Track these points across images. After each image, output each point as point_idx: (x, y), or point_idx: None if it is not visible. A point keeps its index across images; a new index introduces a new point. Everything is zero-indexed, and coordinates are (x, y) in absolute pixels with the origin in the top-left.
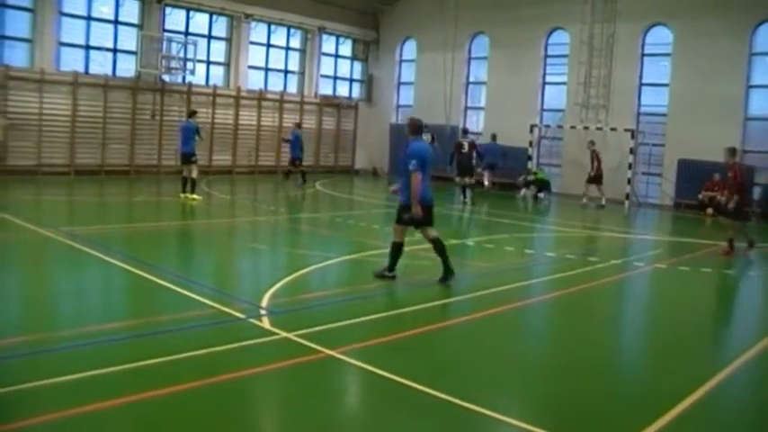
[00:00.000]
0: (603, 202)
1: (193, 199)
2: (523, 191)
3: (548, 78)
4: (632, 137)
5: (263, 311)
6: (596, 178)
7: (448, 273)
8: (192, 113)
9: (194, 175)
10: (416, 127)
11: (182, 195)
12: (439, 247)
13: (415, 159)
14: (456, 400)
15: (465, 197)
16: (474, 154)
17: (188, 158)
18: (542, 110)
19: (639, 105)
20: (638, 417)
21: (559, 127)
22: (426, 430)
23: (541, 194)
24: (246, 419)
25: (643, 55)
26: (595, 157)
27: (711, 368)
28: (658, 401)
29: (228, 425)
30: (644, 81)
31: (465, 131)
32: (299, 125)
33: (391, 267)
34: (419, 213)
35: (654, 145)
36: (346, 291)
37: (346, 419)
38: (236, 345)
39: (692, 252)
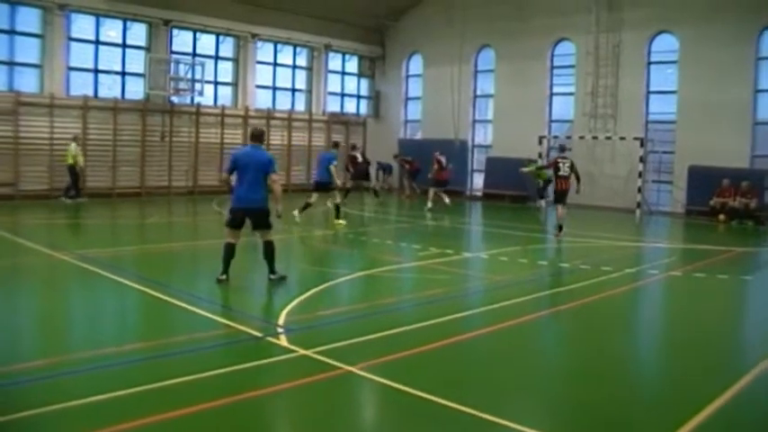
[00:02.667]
0: (447, 200)
1: (340, 224)
2: (539, 201)
3: (555, 89)
4: (641, 145)
5: (280, 329)
6: (439, 182)
7: (271, 271)
8: (335, 144)
9: (338, 200)
10: (252, 135)
11: (337, 222)
12: (267, 249)
13: (228, 162)
14: (477, 412)
15: (377, 196)
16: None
17: (326, 186)
18: (550, 121)
19: (648, 113)
20: (660, 426)
21: (568, 138)
22: None
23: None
24: None
25: (649, 63)
26: (436, 161)
27: (732, 376)
28: (679, 410)
29: None
30: (651, 89)
31: (354, 147)
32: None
33: (224, 270)
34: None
35: (663, 152)
36: (362, 306)
37: None
38: (254, 363)
39: (706, 259)
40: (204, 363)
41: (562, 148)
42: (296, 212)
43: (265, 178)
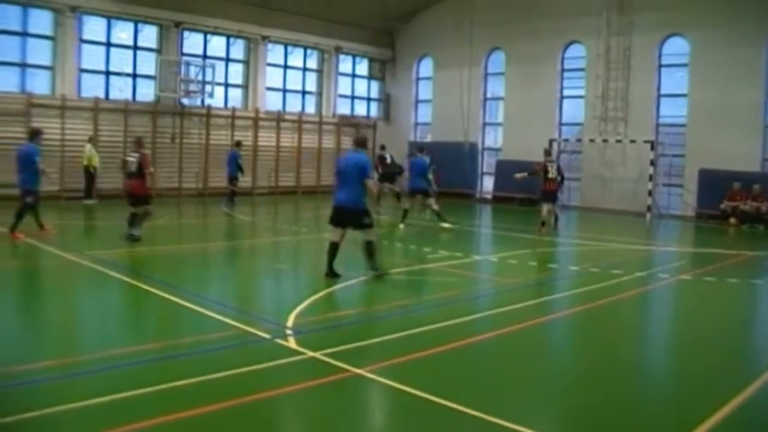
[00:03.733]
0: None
1: (445, 228)
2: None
3: (565, 92)
4: (652, 148)
5: (288, 331)
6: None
7: (372, 268)
8: (421, 149)
9: (434, 206)
10: (353, 143)
11: (445, 225)
12: (366, 249)
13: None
14: (485, 415)
15: (400, 200)
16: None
17: (424, 192)
18: (561, 124)
19: (658, 116)
20: (669, 431)
21: (578, 141)
22: None
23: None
24: None
25: (660, 66)
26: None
27: (741, 381)
28: (688, 415)
29: None
30: (662, 92)
31: (383, 147)
32: (238, 143)
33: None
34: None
35: (674, 156)
36: (372, 309)
37: None
38: (262, 365)
39: (716, 263)
40: (212, 364)
41: (548, 152)
42: (401, 226)
43: (362, 180)
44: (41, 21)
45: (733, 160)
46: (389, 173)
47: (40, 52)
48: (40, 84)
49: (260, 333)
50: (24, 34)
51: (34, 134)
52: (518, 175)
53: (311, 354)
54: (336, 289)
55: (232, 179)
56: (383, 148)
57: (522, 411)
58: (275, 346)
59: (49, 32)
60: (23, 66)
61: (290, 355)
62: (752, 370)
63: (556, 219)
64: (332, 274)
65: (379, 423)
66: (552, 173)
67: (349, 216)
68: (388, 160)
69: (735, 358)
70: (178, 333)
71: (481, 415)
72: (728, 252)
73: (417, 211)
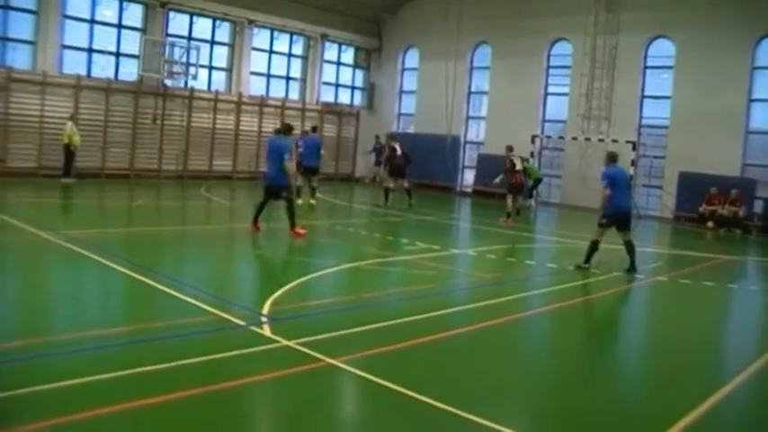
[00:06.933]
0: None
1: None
2: (528, 201)
3: (550, 89)
4: (633, 149)
5: (263, 319)
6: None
7: (632, 267)
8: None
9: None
10: (608, 158)
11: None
12: (629, 247)
13: (606, 180)
14: (456, 410)
15: (387, 201)
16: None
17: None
18: (544, 120)
19: (641, 117)
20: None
21: (561, 138)
22: None
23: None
24: (246, 428)
25: (645, 67)
26: (390, 148)
27: (714, 383)
28: (660, 416)
29: None
30: (646, 93)
31: (393, 137)
32: (314, 128)
33: (586, 260)
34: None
35: (655, 157)
36: (347, 299)
37: (346, 429)
38: (236, 352)
39: (692, 265)
40: (185, 350)
41: (510, 148)
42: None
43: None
44: None
45: (713, 164)
46: (400, 166)
47: (21, 26)
48: (20, 58)
49: (235, 320)
50: (6, 7)
51: (287, 129)
52: (497, 180)
53: (285, 342)
54: (313, 278)
55: (314, 170)
56: (393, 138)
57: (493, 408)
58: (250, 334)
59: (31, 6)
60: (4, 39)
61: (264, 342)
62: (722, 374)
63: (518, 212)
64: (586, 267)
65: (351, 414)
66: (519, 165)
67: (624, 220)
68: (399, 152)
69: (706, 362)
70: (152, 317)
71: (453, 410)
72: (705, 255)
73: (397, 200)
